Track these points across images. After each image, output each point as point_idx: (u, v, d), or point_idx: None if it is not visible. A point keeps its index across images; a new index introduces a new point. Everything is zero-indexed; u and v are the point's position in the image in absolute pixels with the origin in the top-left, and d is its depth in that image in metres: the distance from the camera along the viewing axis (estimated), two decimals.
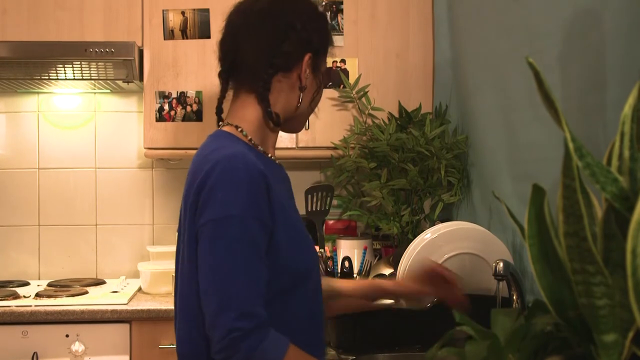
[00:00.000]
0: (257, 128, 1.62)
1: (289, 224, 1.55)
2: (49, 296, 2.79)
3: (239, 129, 1.60)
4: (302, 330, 1.57)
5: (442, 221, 2.38)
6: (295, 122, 1.70)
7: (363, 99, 2.97)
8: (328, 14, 2.99)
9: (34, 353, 2.62)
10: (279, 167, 1.70)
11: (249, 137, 1.61)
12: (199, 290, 1.47)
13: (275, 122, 1.61)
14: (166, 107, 3.00)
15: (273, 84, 1.61)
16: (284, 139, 2.98)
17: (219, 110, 1.72)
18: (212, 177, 1.46)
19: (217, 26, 3.02)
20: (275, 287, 1.50)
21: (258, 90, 1.61)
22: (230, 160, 1.47)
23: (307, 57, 1.61)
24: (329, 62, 2.98)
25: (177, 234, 1.73)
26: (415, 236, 2.31)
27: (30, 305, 2.66)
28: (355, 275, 2.30)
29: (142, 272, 3.01)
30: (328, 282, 1.86)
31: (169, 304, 2.71)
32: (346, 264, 2.26)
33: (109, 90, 3.29)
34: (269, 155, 1.65)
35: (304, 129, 1.80)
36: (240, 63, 1.64)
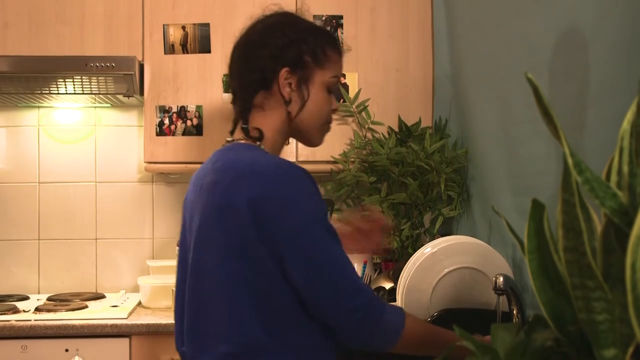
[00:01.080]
0: (268, 140, 1.70)
1: None
2: (49, 310, 2.79)
3: (247, 138, 1.69)
4: None
5: (442, 235, 2.38)
6: (305, 137, 1.78)
7: (363, 113, 2.98)
8: (328, 28, 3.00)
9: None
10: None
11: (258, 143, 1.69)
12: (298, 285, 1.53)
13: (253, 138, 1.68)
14: (166, 121, 3.00)
15: (260, 101, 1.70)
16: (284, 153, 2.97)
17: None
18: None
19: (217, 41, 3.06)
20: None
21: (238, 109, 1.73)
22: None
23: (283, 72, 1.67)
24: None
25: (181, 242, 1.75)
26: (415, 250, 2.31)
27: (30, 320, 2.66)
28: None
29: (142, 286, 3.01)
30: None
31: (169, 319, 2.70)
32: None
33: (109, 105, 3.30)
34: None
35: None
36: (232, 85, 1.78)
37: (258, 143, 1.67)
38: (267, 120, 1.70)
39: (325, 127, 1.79)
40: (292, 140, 2.96)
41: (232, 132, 1.77)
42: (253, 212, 1.50)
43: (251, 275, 1.51)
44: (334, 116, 3.00)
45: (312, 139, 1.78)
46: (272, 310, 1.53)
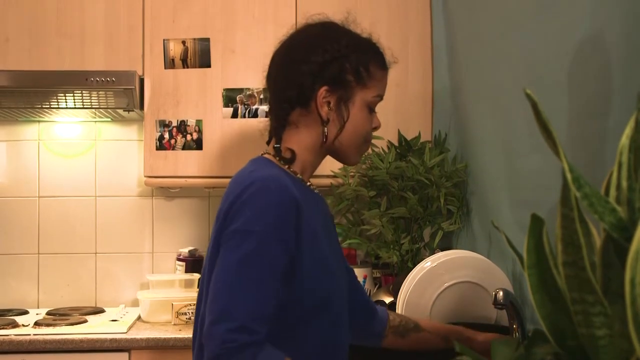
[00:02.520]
0: (300, 160, 1.64)
1: (316, 254, 1.55)
2: (48, 325, 2.78)
3: (277, 158, 1.63)
4: None
5: (442, 249, 2.38)
6: (342, 156, 1.70)
7: None
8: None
9: None
10: (317, 196, 1.70)
11: (288, 165, 1.63)
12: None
13: (284, 159, 1.62)
14: (166, 135, 3.01)
15: (295, 118, 1.63)
16: None
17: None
18: (246, 193, 1.47)
19: (217, 55, 3.07)
20: (291, 314, 1.50)
21: (274, 125, 1.65)
22: (265, 181, 1.49)
23: (321, 90, 1.60)
24: None
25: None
26: (415, 265, 2.31)
27: (29, 334, 2.65)
28: None
29: (141, 300, 3.01)
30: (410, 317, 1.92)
31: (168, 333, 2.70)
32: None
33: (109, 119, 3.31)
34: (308, 183, 1.67)
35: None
36: (269, 98, 1.70)
37: (287, 166, 1.62)
38: (301, 139, 1.64)
39: (364, 146, 1.71)
40: None
41: (268, 143, 1.71)
42: (223, 219, 1.49)
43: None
44: None
45: (349, 159, 1.71)
46: None
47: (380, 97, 1.68)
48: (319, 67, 1.60)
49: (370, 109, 1.67)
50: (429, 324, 1.95)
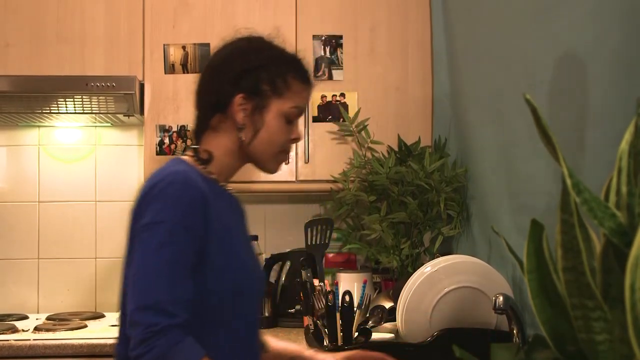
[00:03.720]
0: (217, 162, 1.71)
1: (226, 247, 1.62)
2: (48, 330, 2.78)
3: (195, 158, 1.71)
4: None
5: (442, 254, 2.38)
6: (259, 163, 1.77)
7: (362, 133, 2.98)
8: (328, 48, 3.02)
9: None
10: (232, 197, 1.79)
11: (204, 166, 1.70)
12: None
13: (201, 160, 1.70)
14: (166, 140, 3.01)
15: (215, 123, 1.72)
16: (284, 173, 2.99)
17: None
18: (156, 188, 1.55)
19: None
20: (203, 305, 1.56)
21: (195, 128, 1.76)
22: (173, 175, 1.57)
23: (237, 97, 1.68)
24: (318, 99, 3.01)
25: None
26: (415, 269, 2.31)
27: (29, 339, 2.65)
28: (355, 309, 2.29)
29: None
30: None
31: None
32: (346, 298, 2.26)
33: (109, 124, 3.31)
34: (222, 184, 1.74)
35: (282, 165, 1.81)
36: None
37: (203, 166, 1.70)
38: (219, 142, 1.72)
39: (280, 155, 1.77)
40: (292, 160, 2.98)
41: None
42: (135, 215, 1.57)
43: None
44: (334, 135, 3.03)
45: (265, 166, 1.77)
46: None
47: (298, 109, 1.74)
48: (237, 76, 1.69)
49: (289, 120, 1.73)
50: (275, 346, 1.95)
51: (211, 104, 1.72)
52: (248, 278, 1.69)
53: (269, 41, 1.77)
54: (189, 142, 1.74)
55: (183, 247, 1.51)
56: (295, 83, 1.73)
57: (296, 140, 1.79)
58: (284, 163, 1.81)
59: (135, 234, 1.54)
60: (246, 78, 1.69)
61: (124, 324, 1.57)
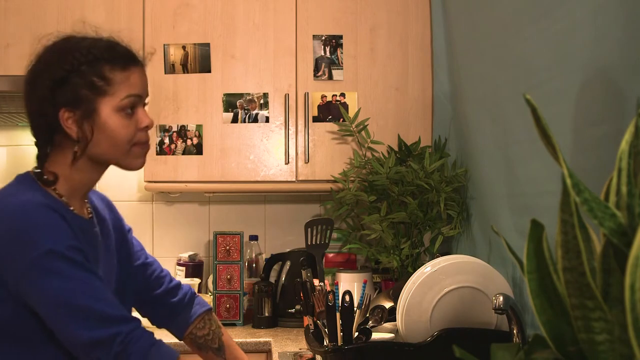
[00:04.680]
0: (66, 180, 1.62)
1: None
2: None
3: (45, 177, 1.60)
4: None
5: (442, 254, 2.38)
6: (116, 164, 1.69)
7: (362, 133, 2.98)
8: (328, 48, 3.02)
9: None
10: (82, 220, 1.67)
11: (54, 188, 1.60)
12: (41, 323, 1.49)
13: (44, 182, 1.59)
14: (167, 140, 3.01)
15: (57, 141, 1.60)
16: (284, 172, 2.99)
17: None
18: (12, 223, 1.48)
19: (217, 61, 3.07)
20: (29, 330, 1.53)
21: (37, 153, 1.63)
22: (20, 206, 1.50)
23: (61, 113, 1.56)
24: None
25: None
26: (415, 269, 2.31)
27: None
28: (355, 309, 2.29)
29: None
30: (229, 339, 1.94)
31: (169, 337, 2.69)
32: (347, 298, 2.25)
33: None
34: (71, 208, 1.63)
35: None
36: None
37: (52, 187, 1.60)
38: (65, 159, 1.61)
39: (135, 149, 1.65)
40: (292, 160, 2.98)
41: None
42: (6, 254, 1.48)
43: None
44: (334, 135, 3.03)
45: (124, 165, 1.68)
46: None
47: (133, 97, 1.62)
48: (51, 92, 1.55)
49: (127, 112, 1.61)
50: (231, 354, 1.93)
51: (42, 129, 1.60)
52: None
53: (77, 38, 1.64)
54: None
55: (82, 262, 1.50)
56: (115, 74, 1.60)
57: (146, 128, 1.65)
58: (145, 156, 1.70)
59: (24, 273, 1.46)
60: (61, 91, 1.55)
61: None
